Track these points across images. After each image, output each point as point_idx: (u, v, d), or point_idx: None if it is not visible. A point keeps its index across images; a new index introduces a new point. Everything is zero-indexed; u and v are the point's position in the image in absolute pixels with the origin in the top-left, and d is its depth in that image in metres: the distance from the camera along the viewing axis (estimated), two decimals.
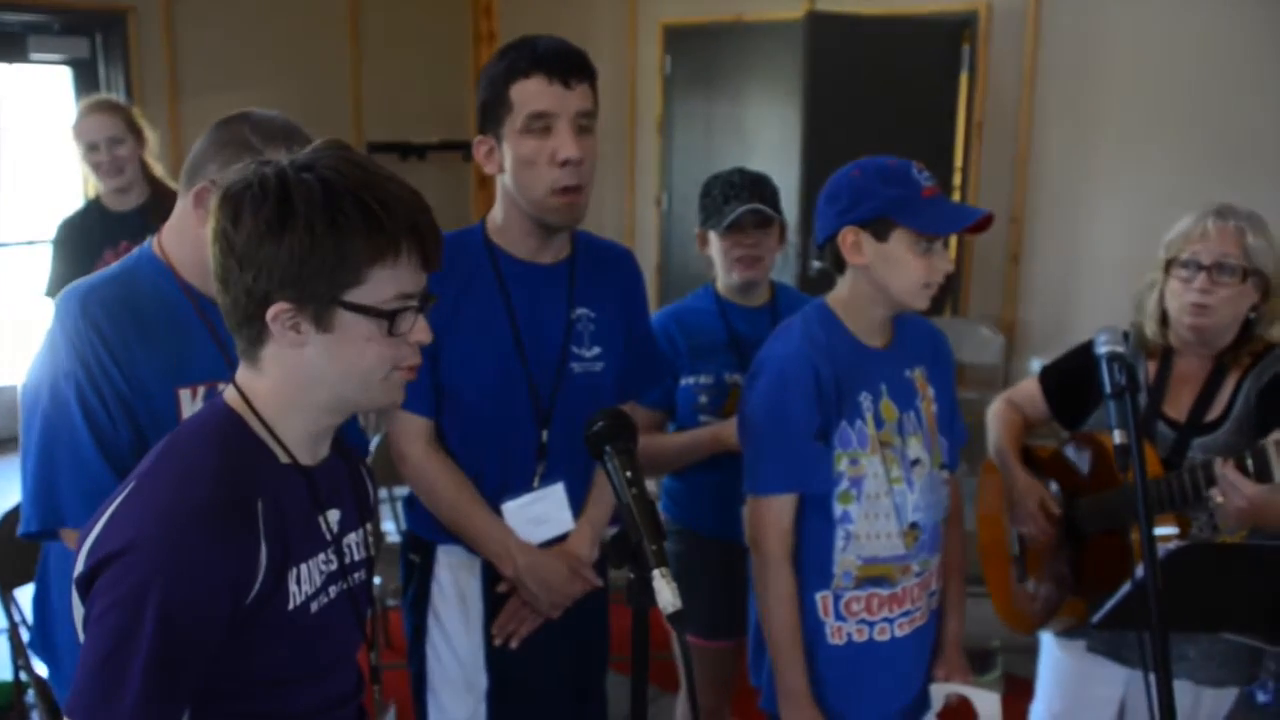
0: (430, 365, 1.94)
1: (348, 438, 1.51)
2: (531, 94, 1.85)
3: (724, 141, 6.45)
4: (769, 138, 6.20)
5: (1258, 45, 4.93)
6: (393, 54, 7.21)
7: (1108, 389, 1.57)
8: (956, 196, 5.82)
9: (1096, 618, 1.63)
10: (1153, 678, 2.18)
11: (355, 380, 1.30)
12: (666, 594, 1.28)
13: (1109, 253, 5.26)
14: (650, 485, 3.27)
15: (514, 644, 2.02)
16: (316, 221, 1.21)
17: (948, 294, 5.88)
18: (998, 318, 5.69)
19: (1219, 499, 1.84)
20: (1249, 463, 1.79)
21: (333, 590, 1.37)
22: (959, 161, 5.80)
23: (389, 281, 1.26)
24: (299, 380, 1.29)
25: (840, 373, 1.90)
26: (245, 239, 1.22)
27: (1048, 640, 2.42)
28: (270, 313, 1.24)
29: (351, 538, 1.43)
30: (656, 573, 1.30)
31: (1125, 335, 2.25)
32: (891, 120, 5.49)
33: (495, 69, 1.90)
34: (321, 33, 6.98)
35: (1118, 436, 1.54)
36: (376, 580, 3.36)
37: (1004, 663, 3.72)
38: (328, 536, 1.37)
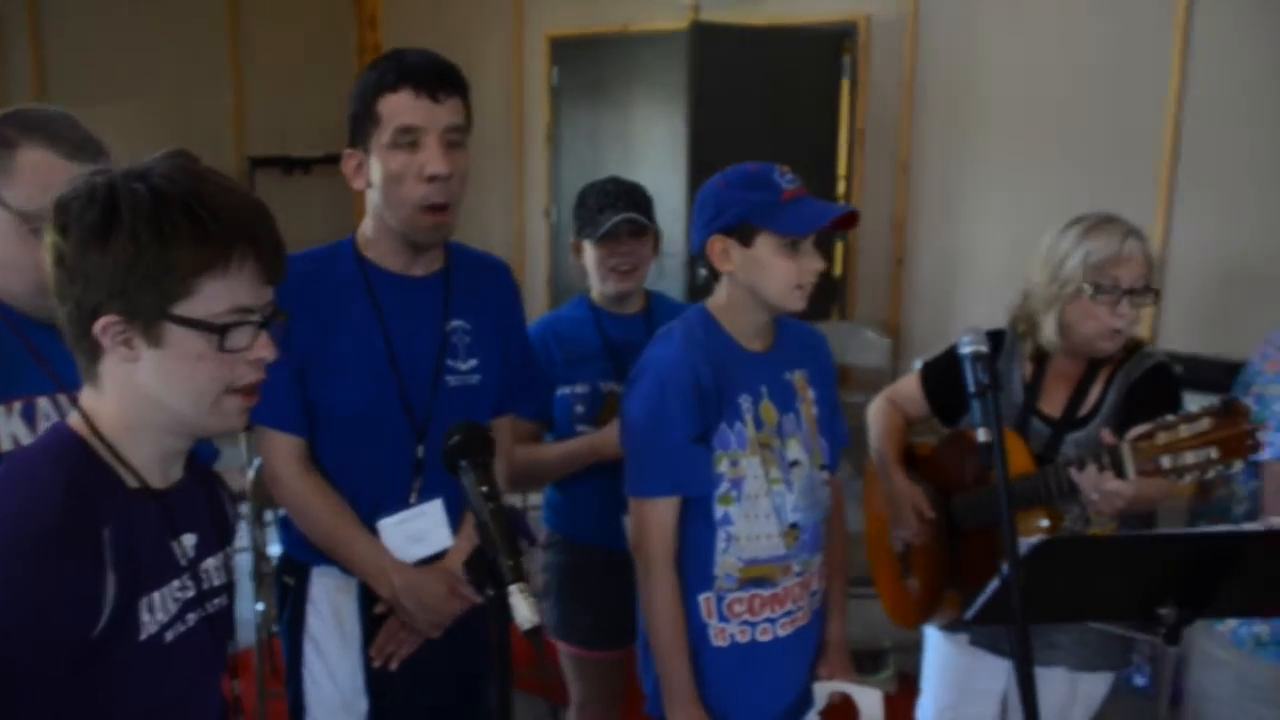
0: (300, 382, 1.89)
1: (200, 454, 1.45)
2: (399, 108, 1.82)
3: (612, 152, 6.47)
4: (656, 147, 6.23)
5: (1125, 54, 5.12)
6: (275, 66, 7.06)
7: (971, 388, 1.61)
8: (841, 202, 5.92)
9: (969, 613, 1.66)
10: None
11: (188, 401, 1.25)
12: (523, 610, 1.26)
13: (988, 256, 5.40)
14: (534, 497, 3.25)
15: (393, 665, 1.98)
16: (141, 230, 1.16)
17: (835, 299, 5.97)
18: (883, 321, 5.80)
19: (1094, 496, 1.89)
20: (1104, 458, 1.84)
21: (190, 618, 1.32)
22: (843, 169, 5.90)
23: (222, 294, 1.22)
24: (136, 400, 1.24)
25: (720, 376, 1.91)
26: (73, 249, 1.18)
27: (932, 635, 2.46)
28: (98, 326, 1.19)
29: (210, 562, 1.38)
30: (513, 588, 1.27)
31: (1001, 334, 2.30)
32: (776, 129, 5.56)
33: (363, 82, 1.87)
34: (200, 44, 6.80)
35: (981, 434, 1.57)
36: (259, 606, 3.27)
37: (896, 661, 3.78)
38: (182, 562, 1.32)
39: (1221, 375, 2.31)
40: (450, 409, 1.94)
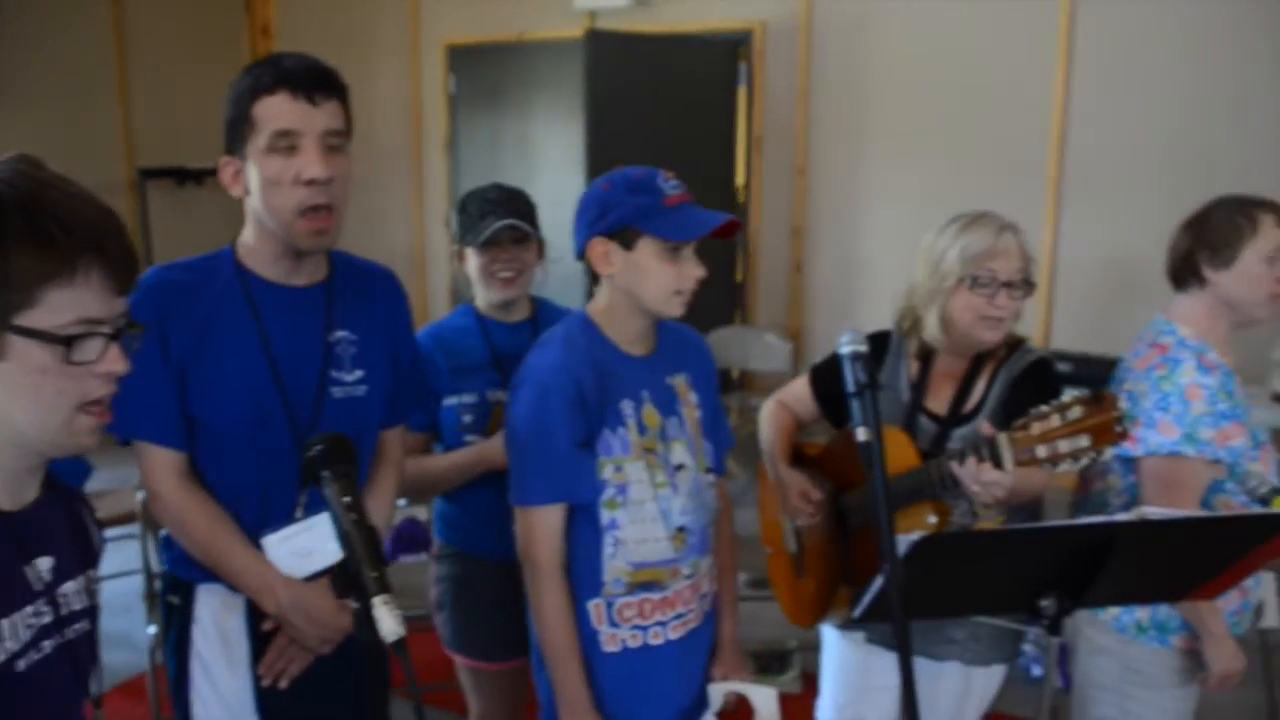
0: (178, 395, 1.83)
1: (63, 472, 1.40)
2: (275, 111, 1.78)
3: (510, 159, 6.45)
4: (555, 154, 6.23)
5: (1013, 64, 5.27)
6: (165, 75, 6.88)
7: (850, 387, 1.62)
8: (739, 210, 5.98)
9: (857, 611, 1.67)
10: (922, 666, 2.31)
11: (35, 417, 1.20)
12: (388, 622, 1.24)
13: (885, 259, 5.50)
14: (422, 511, 3.21)
15: (284, 683, 1.93)
16: None
17: (736, 304, 6.03)
18: (784, 325, 5.87)
19: (975, 488, 1.93)
20: (984, 451, 1.88)
21: (47, 645, 1.27)
22: (741, 175, 5.96)
23: (68, 305, 1.17)
24: None
25: (601, 381, 1.90)
26: None
27: (829, 634, 2.48)
28: None
29: (69, 586, 1.32)
30: (378, 600, 1.25)
31: (887, 335, 2.34)
32: (674, 135, 5.61)
33: (238, 87, 1.82)
34: (86, 53, 6.60)
35: (861, 433, 1.59)
36: (152, 629, 3.18)
37: (801, 661, 3.82)
38: (38, 587, 1.26)
39: (1108, 372, 2.37)
40: (336, 421, 1.89)
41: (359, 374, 1.96)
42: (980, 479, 1.89)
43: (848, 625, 2.37)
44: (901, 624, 1.44)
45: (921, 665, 2.29)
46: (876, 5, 5.56)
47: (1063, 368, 4.31)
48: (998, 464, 1.85)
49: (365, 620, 1.27)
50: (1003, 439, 1.84)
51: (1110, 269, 5.09)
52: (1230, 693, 3.79)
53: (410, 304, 2.14)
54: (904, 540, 1.47)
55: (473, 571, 2.46)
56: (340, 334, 1.94)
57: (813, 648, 2.54)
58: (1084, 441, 1.73)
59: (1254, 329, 2.30)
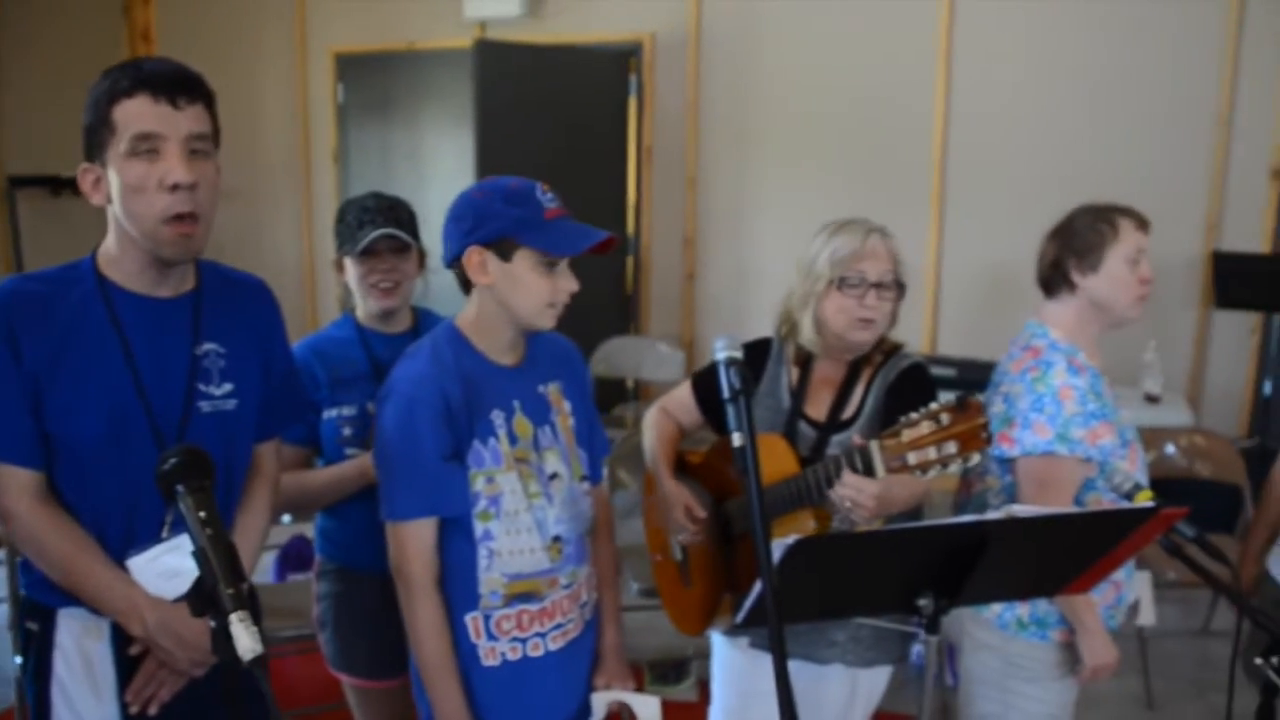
0: (33, 413, 1.75)
1: None
2: (136, 114, 1.71)
3: (401, 170, 6.37)
4: (446, 165, 6.17)
5: (896, 77, 5.38)
6: (38, 81, 6.62)
7: (725, 393, 1.62)
8: (631, 220, 6.00)
9: (738, 617, 1.67)
10: (806, 670, 2.33)
11: None
12: (245, 640, 1.20)
13: (776, 268, 5.56)
14: (310, 529, 3.13)
15: (153, 710, 1.85)
16: None
17: (628, 315, 6.03)
18: (677, 335, 5.89)
19: (847, 504, 1.94)
20: (856, 460, 1.89)
21: None
22: (632, 186, 5.97)
23: None
24: None
25: (470, 392, 1.88)
26: None
27: (718, 641, 2.48)
28: None
29: None
30: (234, 617, 1.21)
31: (768, 342, 2.36)
32: (565, 146, 5.59)
33: (97, 90, 1.74)
34: None
35: (736, 439, 1.59)
36: (19, 660, 3.03)
37: (698, 669, 3.82)
38: None
39: (990, 376, 2.42)
40: (205, 436, 1.83)
41: (229, 387, 1.89)
42: (871, 491, 1.89)
43: (732, 631, 2.38)
44: (777, 628, 1.44)
45: (805, 669, 2.31)
46: (764, 18, 5.63)
47: (947, 372, 4.41)
48: (870, 472, 1.87)
49: (222, 639, 1.22)
50: (874, 447, 1.86)
51: (991, 276, 5.22)
52: (1109, 683, 3.92)
53: (284, 315, 2.07)
54: (779, 544, 1.47)
55: (355, 588, 2.40)
56: (208, 346, 1.88)
57: (709, 656, 2.54)
58: (952, 448, 1.75)
59: (1127, 331, 2.38)
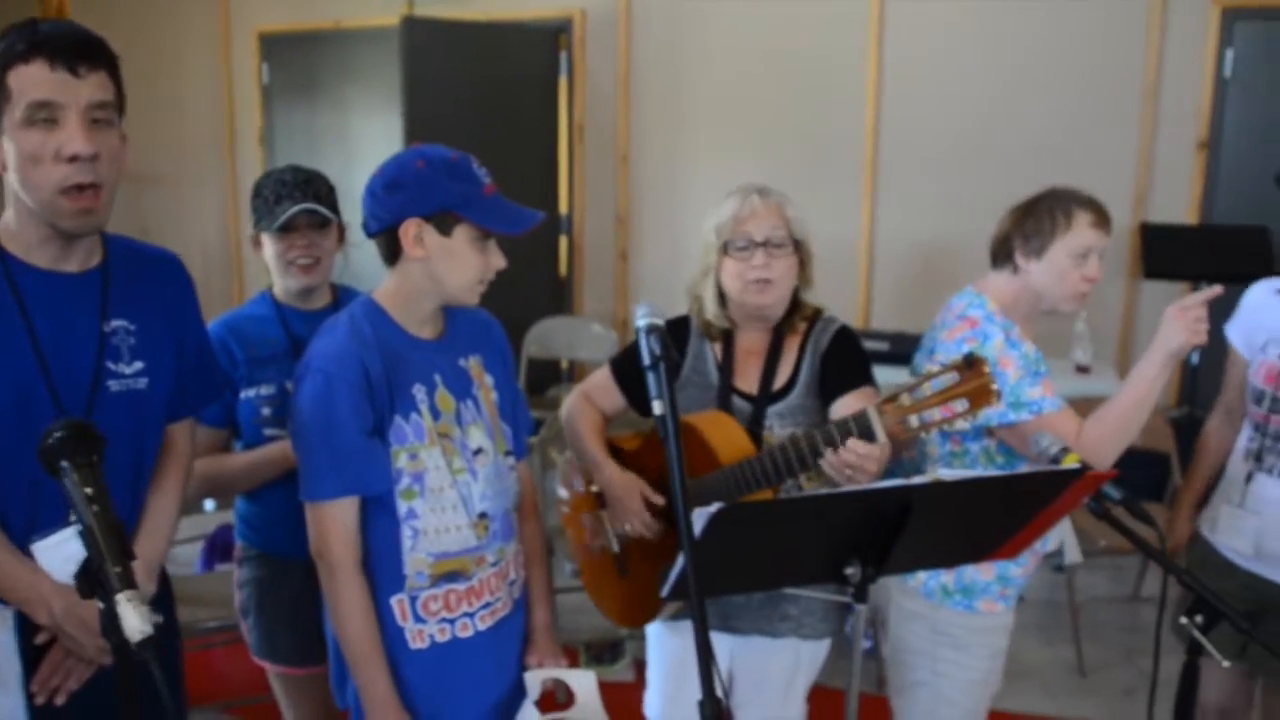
0: None
1: None
2: (32, 81, 1.63)
3: (328, 151, 6.24)
4: (375, 146, 6.06)
5: (827, 52, 5.37)
6: None
7: (645, 360, 1.59)
8: (563, 198, 5.95)
9: (664, 590, 1.63)
10: (756, 644, 2.31)
11: None
12: (133, 620, 1.14)
13: None
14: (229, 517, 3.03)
15: (60, 700, 1.78)
16: None
17: (562, 296, 5.98)
18: (610, 314, 5.85)
19: (847, 471, 1.87)
20: (853, 427, 1.84)
21: None
22: (564, 164, 5.92)
23: None
24: None
25: (390, 367, 1.83)
26: None
27: (652, 627, 2.44)
28: None
29: None
30: (121, 597, 1.15)
31: (687, 320, 2.32)
32: (495, 124, 5.51)
33: None
34: None
35: (656, 407, 1.55)
36: None
37: (633, 650, 3.80)
38: None
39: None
40: (114, 416, 1.76)
41: (139, 365, 1.82)
42: (855, 454, 1.83)
43: (677, 616, 2.34)
44: (698, 598, 1.41)
45: (756, 643, 2.30)
46: None
47: (880, 345, 4.42)
48: (869, 438, 1.83)
49: (109, 620, 1.17)
50: (871, 412, 1.82)
51: (923, 250, 5.24)
52: (1042, 650, 3.97)
53: (208, 298, 2.00)
54: (702, 513, 1.44)
55: (277, 573, 2.34)
56: (117, 323, 1.80)
57: (643, 636, 2.51)
58: (961, 406, 1.72)
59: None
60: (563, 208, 5.96)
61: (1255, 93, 4.85)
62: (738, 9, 5.51)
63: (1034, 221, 2.24)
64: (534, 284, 5.85)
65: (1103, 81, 4.99)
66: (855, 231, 5.37)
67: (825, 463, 1.88)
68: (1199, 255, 4.66)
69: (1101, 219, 2.23)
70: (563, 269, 6.02)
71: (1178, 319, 2.07)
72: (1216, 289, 2.15)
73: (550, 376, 5.82)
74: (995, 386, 1.70)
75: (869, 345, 2.56)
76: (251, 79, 6.65)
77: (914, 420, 1.77)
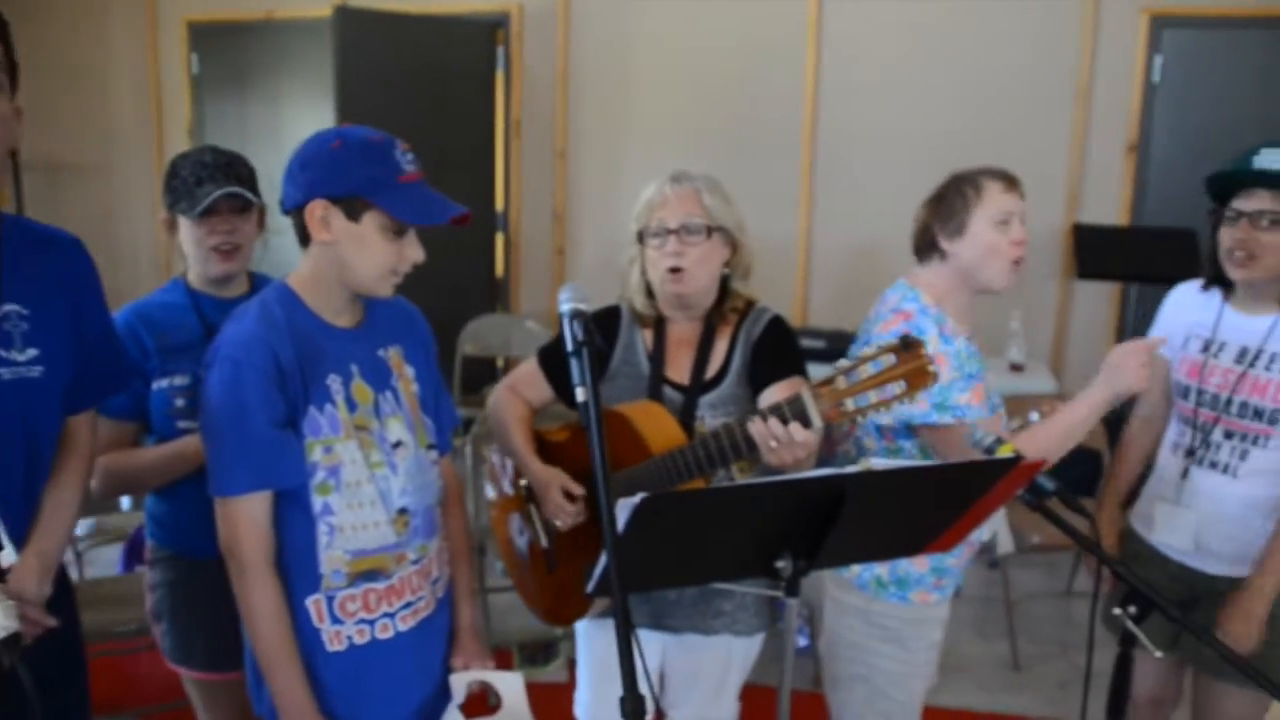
0: None
1: None
2: None
3: (260, 143, 6.10)
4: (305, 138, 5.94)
5: (766, 51, 5.36)
6: None
7: (569, 346, 1.54)
8: (499, 194, 5.87)
9: (590, 586, 1.57)
10: (689, 641, 2.26)
11: None
12: None
13: None
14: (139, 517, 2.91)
15: None
16: None
17: (498, 294, 5.90)
18: (546, 312, 5.78)
19: (776, 448, 1.81)
20: (787, 412, 1.80)
21: None
22: (500, 160, 5.84)
23: None
24: None
25: (304, 355, 1.74)
26: None
27: (580, 626, 2.39)
28: None
29: None
30: None
31: (617, 310, 2.28)
32: (430, 119, 5.42)
33: None
34: None
35: (580, 394, 1.50)
36: None
37: (566, 649, 3.75)
38: None
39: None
40: (4, 407, 1.66)
41: (33, 353, 1.71)
42: (790, 438, 1.79)
43: (609, 612, 2.27)
44: (620, 593, 1.36)
45: (689, 641, 2.26)
46: None
47: (817, 344, 4.41)
48: (804, 422, 1.78)
49: None
50: (806, 395, 1.77)
51: (860, 249, 5.25)
52: (976, 645, 3.98)
53: (100, 274, 1.88)
54: (626, 504, 1.38)
55: (191, 575, 2.24)
56: (9, 308, 1.70)
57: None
58: (897, 389, 1.69)
59: (992, 301, 2.36)
60: (499, 204, 5.88)
61: (1183, 98, 4.93)
62: (677, 5, 5.48)
63: (946, 204, 2.24)
64: (470, 281, 5.76)
65: (1036, 84, 5.04)
66: (793, 229, 5.36)
67: (753, 430, 1.82)
68: (1130, 256, 4.71)
69: (1010, 184, 2.23)
70: (499, 267, 5.94)
71: (1124, 365, 2.08)
72: (1162, 339, 2.21)
73: (485, 375, 5.73)
74: (933, 368, 1.67)
75: (806, 343, 2.54)
76: (180, 69, 6.49)
77: (850, 403, 1.73)
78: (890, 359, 1.69)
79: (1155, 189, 5.00)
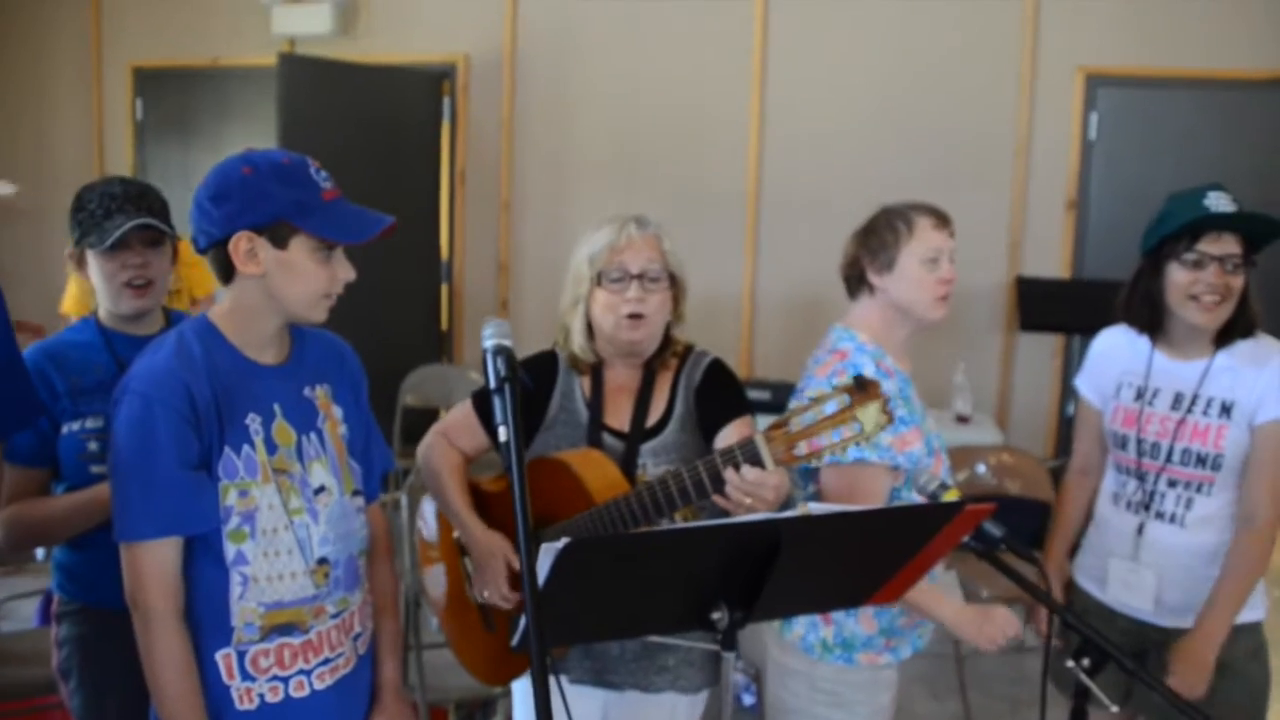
0: None
1: None
2: None
3: None
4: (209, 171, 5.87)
5: (709, 104, 5.38)
6: None
7: (492, 383, 1.47)
8: (444, 244, 5.81)
9: (514, 640, 1.49)
10: (631, 700, 2.18)
11: None
12: None
13: None
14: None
15: None
16: None
17: (442, 347, 5.83)
18: None
19: (747, 500, 1.76)
20: (739, 456, 1.74)
21: None
22: (445, 210, 5.79)
23: None
24: None
25: (221, 392, 1.65)
26: None
27: (518, 684, 2.29)
28: None
29: None
30: None
31: (554, 355, 2.21)
32: (375, 168, 5.36)
33: None
34: None
35: (502, 433, 1.43)
36: None
37: (504, 708, 3.63)
38: None
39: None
40: None
41: None
42: (773, 483, 1.73)
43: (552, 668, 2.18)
44: (538, 645, 1.28)
45: (631, 698, 2.17)
46: (579, 42, 5.55)
47: (763, 395, 4.37)
48: (758, 466, 1.73)
49: None
50: (759, 440, 1.72)
51: (804, 300, 5.23)
52: (928, 704, 3.92)
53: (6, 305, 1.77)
54: (550, 549, 1.31)
55: (102, 629, 2.10)
56: None
57: None
58: (850, 431, 1.64)
59: (937, 353, 2.33)
60: (444, 254, 5.82)
61: (1118, 155, 5.01)
62: (622, 58, 5.50)
63: (876, 237, 2.20)
64: (413, 331, 5.68)
65: (976, 141, 5.09)
66: (737, 281, 5.34)
67: (729, 487, 1.76)
68: (1072, 308, 4.75)
69: (941, 221, 2.20)
70: (444, 319, 5.87)
71: (991, 625, 2.06)
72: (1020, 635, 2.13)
73: (426, 425, 5.61)
74: (890, 407, 1.63)
75: (751, 394, 2.49)
76: (124, 114, 6.41)
77: (803, 446, 1.69)
78: (845, 399, 1.64)
79: (1094, 243, 5.05)
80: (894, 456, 2.07)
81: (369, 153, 5.40)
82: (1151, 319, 2.32)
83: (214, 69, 6.14)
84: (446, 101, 5.75)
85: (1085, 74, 4.98)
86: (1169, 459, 2.27)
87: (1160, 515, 2.29)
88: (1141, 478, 2.32)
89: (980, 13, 5.05)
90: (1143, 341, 2.36)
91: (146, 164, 6.36)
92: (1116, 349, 2.43)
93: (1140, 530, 2.32)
